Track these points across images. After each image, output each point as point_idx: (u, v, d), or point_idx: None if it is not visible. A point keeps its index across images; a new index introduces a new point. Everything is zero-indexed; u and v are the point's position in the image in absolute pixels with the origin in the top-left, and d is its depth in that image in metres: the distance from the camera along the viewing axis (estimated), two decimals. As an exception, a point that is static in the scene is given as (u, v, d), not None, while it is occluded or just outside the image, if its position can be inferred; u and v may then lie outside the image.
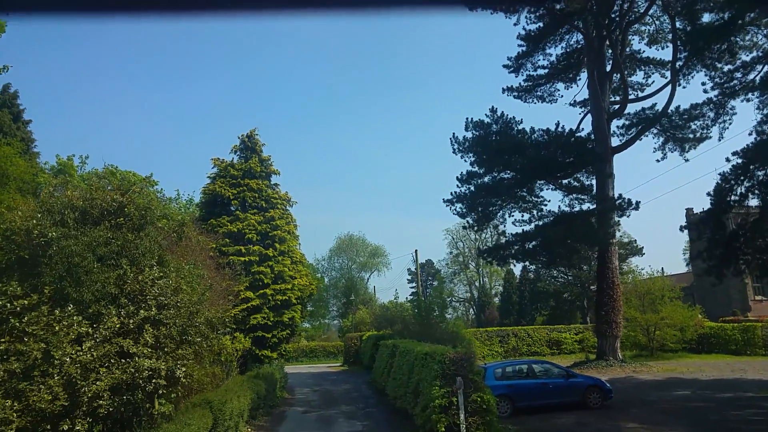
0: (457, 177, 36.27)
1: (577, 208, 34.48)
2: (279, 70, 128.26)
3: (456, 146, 36.17)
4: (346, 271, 71.32)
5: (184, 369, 11.38)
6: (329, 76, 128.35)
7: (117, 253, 11.25)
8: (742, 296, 60.93)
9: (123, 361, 10.44)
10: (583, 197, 34.63)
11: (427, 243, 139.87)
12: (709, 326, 41.97)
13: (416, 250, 48.26)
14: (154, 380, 10.65)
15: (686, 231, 69.94)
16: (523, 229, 33.73)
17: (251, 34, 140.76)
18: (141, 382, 10.32)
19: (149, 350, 10.72)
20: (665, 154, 35.07)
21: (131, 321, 10.76)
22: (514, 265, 51.03)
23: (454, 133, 36.25)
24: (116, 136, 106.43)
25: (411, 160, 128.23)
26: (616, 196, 33.06)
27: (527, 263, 43.52)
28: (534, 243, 34.50)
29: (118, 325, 10.62)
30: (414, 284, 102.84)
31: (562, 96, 38.24)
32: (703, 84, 28.27)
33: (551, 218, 34.34)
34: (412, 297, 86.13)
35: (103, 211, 11.61)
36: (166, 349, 11.09)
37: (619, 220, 32.78)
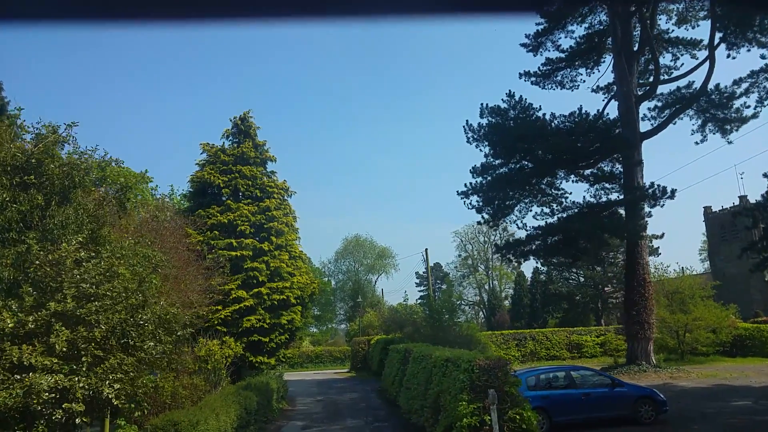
0: (471, 169, 32.67)
1: (603, 199, 30.74)
2: (286, 76, 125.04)
3: (470, 134, 32.56)
4: (353, 274, 67.34)
5: (117, 386, 7.75)
6: (337, 81, 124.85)
7: (20, 222, 7.67)
8: (764, 297, 56.95)
9: (16, 377, 6.87)
10: (610, 187, 30.91)
11: (436, 246, 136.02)
12: (744, 327, 37.98)
13: (426, 249, 44.72)
14: (64, 404, 7.06)
15: (705, 229, 66.00)
16: (546, 221, 30.01)
17: (257, 41, 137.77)
18: (39, 407, 6.73)
19: (57, 361, 7.13)
20: (705, 137, 31.18)
21: (31, 318, 7.19)
22: (536, 262, 47.01)
23: (467, 120, 32.70)
24: (116, 138, 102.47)
25: (418, 164, 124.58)
26: (647, 184, 29.30)
27: (548, 260, 39.49)
28: (557, 237, 30.79)
29: (11, 325, 7.05)
30: (422, 287, 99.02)
31: (584, 81, 34.47)
32: (762, 47, 24.55)
33: (576, 210, 30.64)
34: (420, 300, 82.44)
35: (5, 167, 8.04)
36: (86, 359, 7.49)
37: (650, 211, 28.98)
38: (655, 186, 28.12)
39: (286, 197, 25.73)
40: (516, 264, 45.57)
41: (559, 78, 35.63)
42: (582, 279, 68.53)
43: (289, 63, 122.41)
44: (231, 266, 23.21)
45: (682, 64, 34.23)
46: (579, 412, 16.65)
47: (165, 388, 15.36)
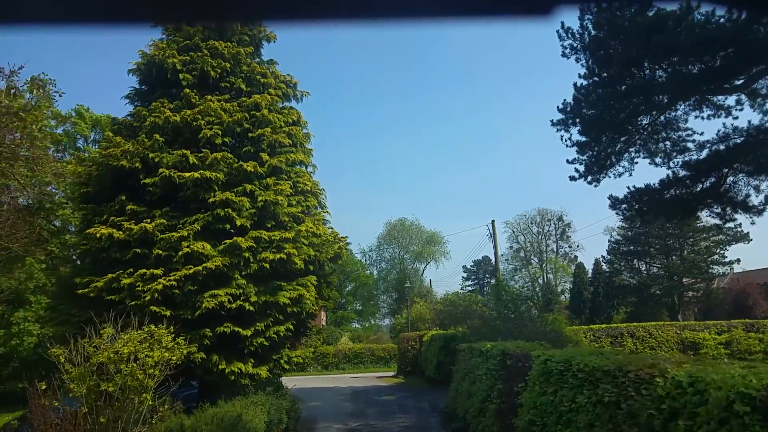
0: (560, 105, 20.71)
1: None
2: (325, 72, 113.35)
3: (568, 42, 20.57)
4: (397, 262, 55.42)
5: None
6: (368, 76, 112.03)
7: None
8: None
9: None
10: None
11: (480, 241, 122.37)
12: None
13: (493, 221, 32.65)
14: None
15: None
16: (713, 149, 17.97)
17: (296, 39, 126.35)
18: None
19: None
20: None
21: None
22: (670, 222, 33.24)
23: (563, 23, 20.75)
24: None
25: (461, 160, 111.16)
26: None
27: (688, 218, 26.85)
28: (709, 182, 18.64)
29: None
30: (471, 281, 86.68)
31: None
32: None
33: (739, 138, 18.42)
34: (475, 288, 70.14)
35: None
36: None
37: None
38: None
39: (292, 100, 14.34)
40: (642, 221, 31.49)
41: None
42: (654, 269, 56.31)
43: (331, 63, 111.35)
44: (185, 199, 11.97)
45: None
46: None
47: None
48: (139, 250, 11.06)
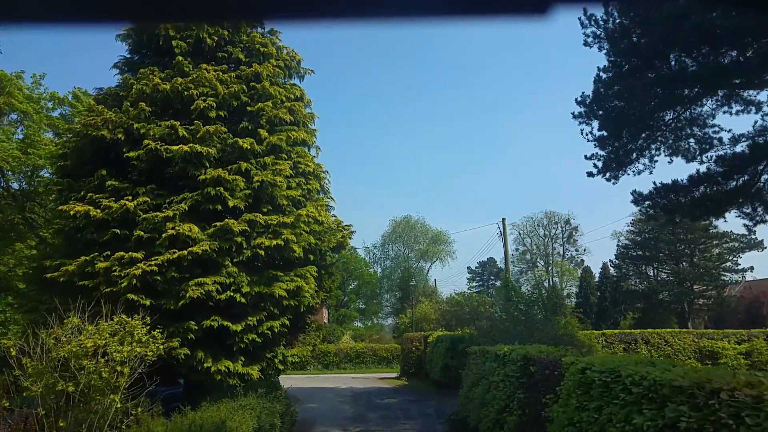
0: (578, 97, 19.36)
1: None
2: (325, 73, 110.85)
3: (591, 29, 19.24)
4: (402, 260, 53.95)
5: None
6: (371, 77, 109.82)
7: None
8: None
9: None
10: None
11: (492, 240, 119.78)
12: None
13: (503, 219, 31.16)
14: None
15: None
16: (754, 141, 16.53)
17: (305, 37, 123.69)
18: None
19: None
20: None
21: None
22: (706, 220, 31.33)
23: (585, 9, 19.34)
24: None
25: (464, 162, 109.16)
26: None
27: (717, 215, 25.25)
28: (742, 179, 17.22)
29: None
30: (476, 282, 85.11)
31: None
32: None
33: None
34: (479, 289, 68.70)
35: None
36: None
37: None
38: None
39: (294, 76, 13.02)
40: (667, 219, 29.82)
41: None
42: (664, 275, 54.97)
43: (339, 62, 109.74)
44: (172, 176, 10.66)
45: None
46: None
47: None
48: (118, 231, 9.78)
